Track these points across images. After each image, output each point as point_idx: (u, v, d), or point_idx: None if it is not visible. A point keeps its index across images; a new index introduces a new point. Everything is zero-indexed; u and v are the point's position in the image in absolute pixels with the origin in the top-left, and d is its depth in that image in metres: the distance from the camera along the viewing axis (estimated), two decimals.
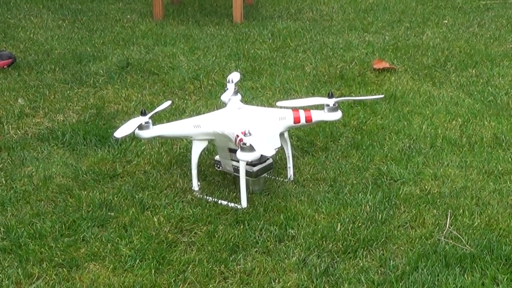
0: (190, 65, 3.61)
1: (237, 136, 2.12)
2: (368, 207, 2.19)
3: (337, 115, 2.37)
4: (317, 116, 2.36)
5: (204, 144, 2.30)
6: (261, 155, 2.11)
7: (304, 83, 3.33)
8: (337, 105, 2.36)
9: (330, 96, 2.36)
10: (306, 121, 2.34)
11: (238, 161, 2.17)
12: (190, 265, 1.92)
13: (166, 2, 4.92)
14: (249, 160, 2.11)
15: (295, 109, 2.37)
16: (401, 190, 2.29)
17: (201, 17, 4.66)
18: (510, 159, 2.50)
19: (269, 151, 2.06)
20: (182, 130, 2.29)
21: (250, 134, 2.08)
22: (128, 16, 4.73)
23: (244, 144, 2.07)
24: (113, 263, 1.93)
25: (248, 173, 2.21)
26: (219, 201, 2.23)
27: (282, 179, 2.39)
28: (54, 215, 2.18)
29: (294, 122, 2.33)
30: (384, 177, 2.39)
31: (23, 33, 4.31)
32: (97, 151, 2.61)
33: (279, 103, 2.47)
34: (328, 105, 2.35)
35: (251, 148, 2.06)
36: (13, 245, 2.01)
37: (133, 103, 3.09)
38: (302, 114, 2.34)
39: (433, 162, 2.50)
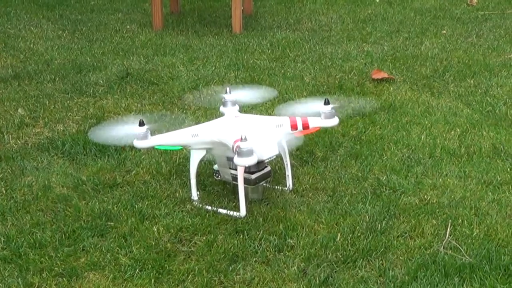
0: (189, 75, 3.62)
1: (235, 143, 2.13)
2: (367, 217, 2.19)
3: (334, 121, 2.37)
4: (314, 122, 2.36)
5: (202, 153, 2.31)
6: (259, 162, 2.12)
7: (303, 93, 3.33)
8: (334, 111, 2.36)
9: (326, 103, 2.36)
10: (303, 128, 2.34)
11: (236, 169, 2.17)
12: (190, 275, 1.92)
13: (165, 13, 4.94)
14: (246, 165, 2.12)
15: (292, 116, 2.38)
16: (400, 200, 2.30)
17: (201, 28, 4.68)
18: (508, 169, 2.51)
19: (265, 154, 2.07)
20: (180, 139, 2.30)
21: (246, 140, 2.09)
22: (128, 27, 4.75)
23: (241, 149, 2.07)
24: (113, 272, 1.93)
25: (246, 181, 2.21)
26: (219, 210, 2.24)
27: (281, 188, 2.39)
28: (54, 224, 2.18)
29: (292, 129, 2.34)
30: (384, 187, 2.39)
31: (23, 43, 4.32)
32: (96, 161, 2.61)
33: (277, 109, 2.48)
34: (324, 112, 2.35)
35: (247, 153, 2.07)
36: (13, 255, 2.02)
37: (132, 113, 3.10)
38: (299, 121, 2.34)
39: (432, 172, 2.50)
